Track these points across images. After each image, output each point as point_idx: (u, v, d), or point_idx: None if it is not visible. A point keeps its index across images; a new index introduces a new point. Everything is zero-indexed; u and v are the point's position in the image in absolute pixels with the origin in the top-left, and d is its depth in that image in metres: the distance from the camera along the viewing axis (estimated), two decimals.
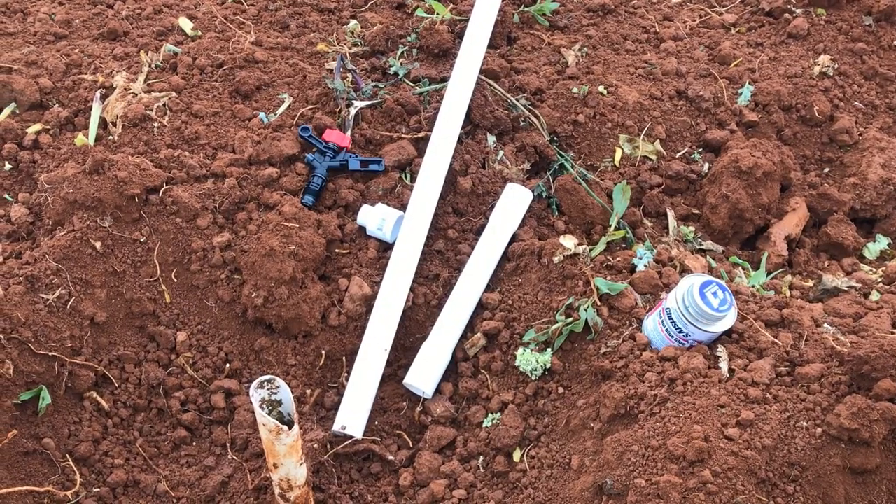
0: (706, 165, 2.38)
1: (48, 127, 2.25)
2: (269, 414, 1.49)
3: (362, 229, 2.13)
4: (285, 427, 1.46)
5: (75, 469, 1.80)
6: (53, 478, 1.77)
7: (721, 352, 1.73)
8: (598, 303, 1.88)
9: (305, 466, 1.58)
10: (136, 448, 1.89)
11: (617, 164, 2.38)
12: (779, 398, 1.61)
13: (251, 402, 1.44)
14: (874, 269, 2.22)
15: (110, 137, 2.20)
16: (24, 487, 1.69)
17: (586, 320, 1.85)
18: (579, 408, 1.80)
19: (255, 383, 1.46)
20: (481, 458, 1.85)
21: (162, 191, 2.03)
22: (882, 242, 2.31)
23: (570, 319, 1.88)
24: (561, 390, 1.86)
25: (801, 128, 2.49)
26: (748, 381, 1.65)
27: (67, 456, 1.81)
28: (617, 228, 2.19)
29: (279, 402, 1.51)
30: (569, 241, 1.97)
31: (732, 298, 1.72)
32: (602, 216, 2.23)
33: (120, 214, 1.98)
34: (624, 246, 2.19)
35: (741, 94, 2.50)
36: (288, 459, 1.52)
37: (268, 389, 1.49)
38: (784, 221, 2.29)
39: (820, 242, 2.33)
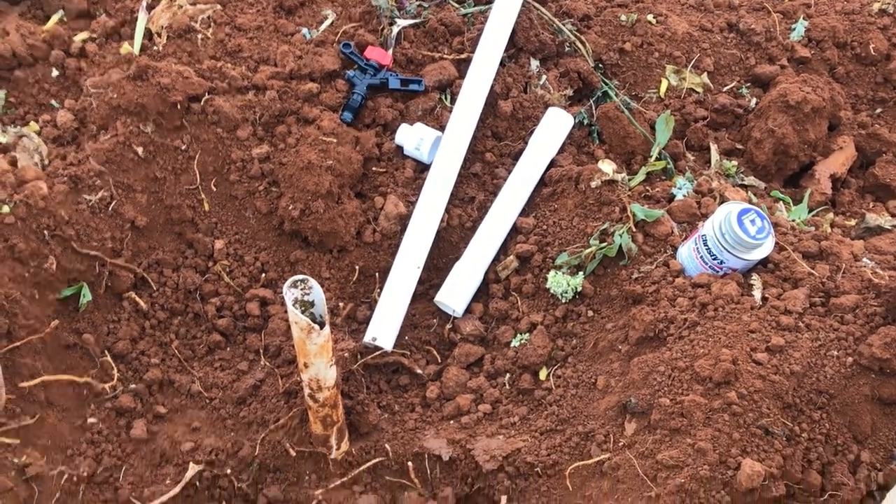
0: (753, 101, 2.33)
1: (94, 36, 2.27)
2: (301, 314, 1.52)
3: (400, 149, 2.13)
4: (317, 326, 1.49)
5: (113, 365, 1.85)
6: (92, 371, 1.82)
7: (755, 280, 1.72)
8: (634, 229, 1.87)
9: (335, 369, 1.61)
10: (172, 349, 1.94)
11: (662, 96, 2.34)
12: (811, 327, 1.60)
13: (284, 304, 1.47)
14: None
15: (155, 48, 2.21)
16: (66, 377, 1.75)
17: (620, 245, 1.84)
18: (608, 331, 1.81)
19: (288, 282, 1.49)
20: (508, 375, 1.87)
21: (204, 100, 2.04)
22: None
23: (603, 244, 1.87)
24: (591, 313, 1.87)
25: (854, 66, 2.42)
26: (781, 309, 1.63)
27: (106, 352, 1.87)
28: (658, 159, 2.17)
29: (311, 304, 1.54)
30: (607, 167, 1.95)
31: (771, 227, 1.70)
32: (643, 146, 2.21)
33: (162, 121, 2.00)
34: (664, 178, 2.16)
35: (794, 28, 2.43)
36: (318, 359, 1.55)
37: (301, 289, 1.51)
38: (830, 160, 2.24)
39: (866, 183, 2.28)
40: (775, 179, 2.25)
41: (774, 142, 2.18)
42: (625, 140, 2.20)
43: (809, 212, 2.10)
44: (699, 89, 2.34)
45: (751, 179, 2.21)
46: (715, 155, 2.24)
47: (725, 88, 2.36)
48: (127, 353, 1.89)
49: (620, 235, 1.85)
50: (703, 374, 1.54)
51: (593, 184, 1.94)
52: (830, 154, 2.25)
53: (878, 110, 2.39)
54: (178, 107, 2.00)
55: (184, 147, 2.02)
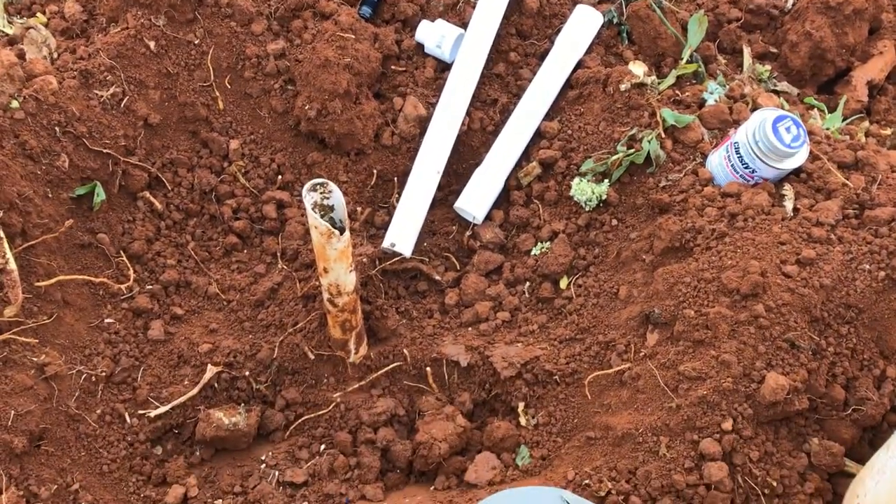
0: (790, 2, 2.22)
1: None
2: (321, 218, 1.48)
3: (420, 46, 2.05)
4: (336, 231, 1.46)
5: (129, 265, 1.83)
6: (108, 272, 1.81)
7: (787, 190, 1.66)
8: (663, 135, 1.81)
9: (355, 274, 1.58)
10: (188, 251, 1.92)
11: None
12: (843, 239, 1.55)
13: (303, 208, 1.43)
14: None
15: None
16: (82, 276, 1.74)
17: (648, 152, 1.78)
18: (632, 240, 1.77)
19: (307, 185, 1.45)
20: (527, 283, 1.84)
21: None
22: None
23: (631, 150, 1.81)
24: (615, 222, 1.82)
25: None
26: (813, 220, 1.59)
27: (121, 252, 1.85)
28: (689, 62, 2.07)
29: (331, 208, 1.50)
30: (638, 69, 1.87)
31: (806, 135, 1.64)
32: (674, 48, 2.11)
33: (174, 14, 1.92)
34: (695, 81, 2.07)
35: None
36: (338, 265, 1.52)
37: (320, 193, 1.47)
38: (868, 65, 2.14)
39: None
40: (809, 85, 2.16)
41: (811, 45, 2.08)
42: (655, 41, 2.10)
43: (844, 120, 2.02)
44: None
45: (784, 85, 2.13)
46: (748, 59, 2.14)
47: None
48: (143, 253, 1.87)
49: (649, 142, 1.79)
50: (730, 287, 1.51)
51: (622, 87, 1.87)
52: (869, 59, 2.15)
53: None
54: None
55: (197, 41, 1.94)
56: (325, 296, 1.61)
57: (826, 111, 2.01)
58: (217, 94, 1.96)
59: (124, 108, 1.87)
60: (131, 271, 1.83)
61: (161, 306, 1.84)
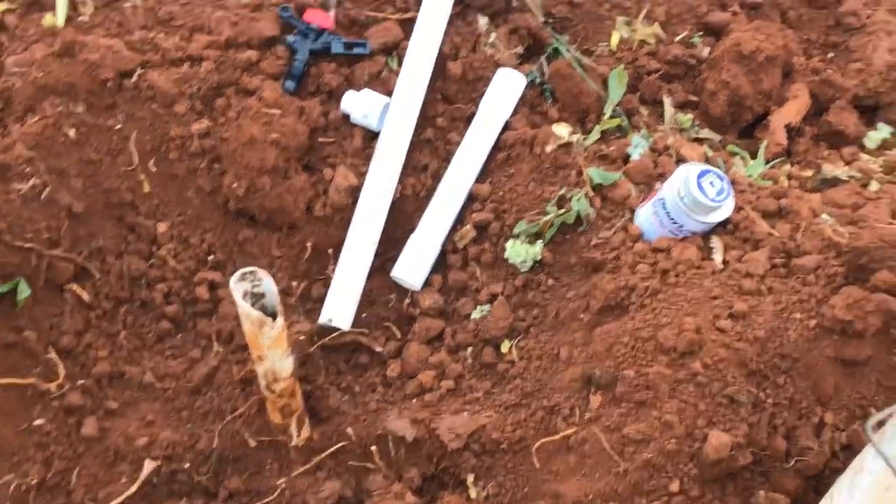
0: (706, 50, 2.28)
1: (13, 6, 2.13)
2: (252, 307, 1.46)
3: (347, 117, 2.05)
4: (269, 319, 1.43)
5: (59, 361, 1.77)
6: (36, 370, 1.75)
7: (715, 243, 1.69)
8: (592, 193, 1.83)
9: (291, 358, 1.56)
10: (120, 340, 1.86)
11: (614, 49, 2.27)
12: (773, 290, 1.58)
13: (232, 293, 1.40)
14: (874, 159, 2.16)
15: (81, 18, 2.08)
16: (8, 380, 1.67)
17: (578, 211, 1.80)
18: (569, 299, 1.78)
19: (235, 276, 1.42)
20: (470, 349, 1.83)
21: (136, 75, 1.93)
22: (884, 131, 2.23)
23: (561, 210, 1.82)
24: (551, 282, 1.83)
25: (806, 10, 2.37)
26: (742, 272, 1.61)
27: (50, 348, 1.79)
28: (612, 116, 2.11)
29: (262, 295, 1.47)
30: (562, 130, 1.90)
31: (730, 188, 1.67)
32: (597, 104, 2.15)
33: (93, 100, 1.89)
34: (619, 135, 2.11)
35: None
36: (273, 352, 1.49)
37: (250, 282, 1.45)
38: (784, 109, 2.20)
39: (820, 131, 2.25)
40: (731, 131, 2.21)
41: (729, 93, 2.14)
42: (578, 98, 2.14)
43: (766, 163, 2.08)
44: (651, 40, 2.28)
45: (706, 132, 2.18)
46: (669, 108, 2.19)
47: (678, 38, 2.30)
48: (72, 347, 1.81)
49: (578, 201, 1.81)
50: (666, 345, 1.52)
51: (548, 148, 1.89)
52: (785, 103, 2.21)
53: (831, 55, 2.36)
54: (110, 84, 1.89)
55: (118, 126, 1.91)
56: (262, 383, 1.58)
57: (748, 157, 2.06)
58: (142, 177, 1.93)
59: (46, 199, 1.82)
60: (61, 367, 1.77)
61: (94, 401, 1.78)
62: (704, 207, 1.65)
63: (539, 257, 1.83)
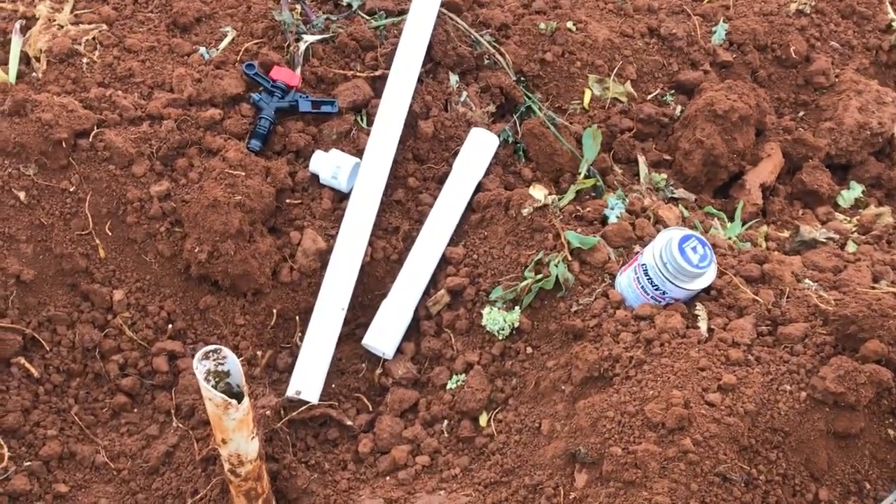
0: (678, 108, 2.26)
1: None
2: (215, 386, 1.36)
3: (315, 177, 1.97)
4: (234, 401, 1.33)
5: (2, 443, 1.64)
6: None
7: (700, 310, 1.64)
8: (570, 258, 1.77)
9: (257, 440, 1.45)
10: (72, 416, 1.74)
11: (586, 107, 2.24)
12: (761, 360, 1.53)
13: (195, 373, 1.30)
14: (848, 218, 2.14)
15: (34, 75, 1.99)
16: None
17: (557, 277, 1.74)
18: (549, 369, 1.70)
19: (199, 354, 1.32)
20: (446, 422, 1.74)
21: (92, 135, 1.83)
22: (856, 190, 2.23)
23: (539, 276, 1.76)
24: (530, 350, 1.76)
25: (776, 69, 2.38)
26: (729, 341, 1.56)
27: None
28: (587, 176, 2.07)
29: (227, 373, 1.38)
30: (539, 192, 1.85)
31: (712, 254, 1.62)
32: (571, 163, 2.11)
33: (45, 161, 1.79)
34: (594, 195, 2.07)
35: (715, 32, 2.37)
36: (238, 434, 1.39)
37: (213, 360, 1.35)
38: (759, 168, 2.19)
39: (794, 190, 2.24)
40: (705, 190, 2.19)
41: (703, 153, 2.11)
42: (552, 157, 2.10)
43: (743, 224, 2.05)
44: (623, 98, 2.26)
45: (681, 192, 2.15)
46: (643, 168, 2.16)
47: (650, 96, 2.28)
48: (18, 426, 1.68)
49: (556, 266, 1.75)
50: (654, 420, 1.45)
51: (525, 211, 1.83)
52: (759, 162, 2.20)
53: (801, 114, 2.36)
54: (64, 144, 1.80)
55: (72, 189, 1.81)
56: (226, 466, 1.47)
57: (725, 219, 2.02)
58: (97, 241, 1.83)
59: None
60: (5, 449, 1.64)
61: (42, 485, 1.65)
62: (687, 273, 1.60)
63: (517, 324, 1.76)
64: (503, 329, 1.76)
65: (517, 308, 1.77)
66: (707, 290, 1.67)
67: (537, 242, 1.83)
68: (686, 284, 1.62)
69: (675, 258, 1.58)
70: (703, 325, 1.61)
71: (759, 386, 1.48)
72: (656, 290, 1.64)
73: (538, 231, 1.84)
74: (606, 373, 1.59)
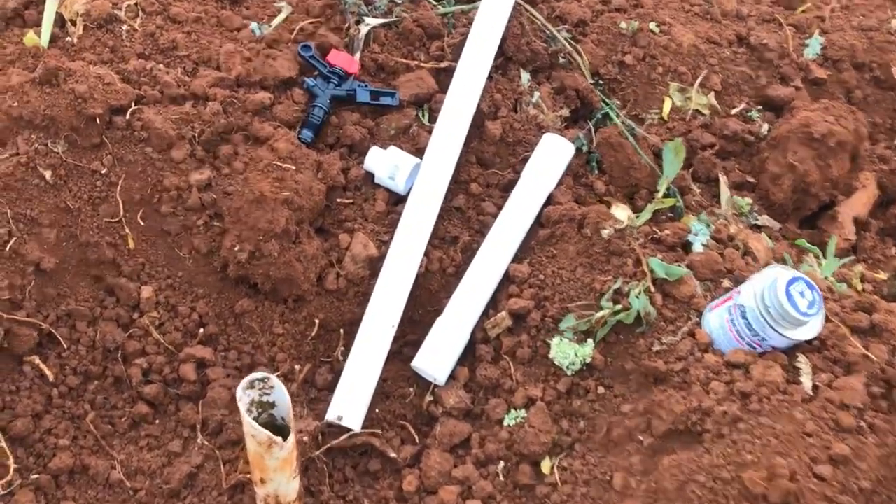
0: (765, 126, 2.06)
1: None
2: (257, 418, 1.18)
3: (369, 176, 1.79)
4: (279, 439, 1.15)
5: (8, 452, 1.47)
6: None
7: (802, 363, 1.45)
8: (652, 289, 1.58)
9: (298, 478, 1.27)
10: (86, 425, 1.57)
11: (665, 117, 2.05)
12: (875, 428, 1.33)
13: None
14: None
15: (68, 39, 1.80)
16: None
17: (638, 311, 1.55)
18: (624, 415, 1.52)
19: (244, 383, 1.14)
20: (502, 463, 1.56)
21: (130, 112, 1.65)
22: None
23: (618, 307, 1.57)
24: (601, 390, 1.57)
25: (873, 90, 2.17)
26: (837, 402, 1.37)
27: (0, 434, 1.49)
28: (666, 195, 1.88)
29: (271, 405, 1.20)
30: (621, 212, 1.66)
31: (822, 300, 1.43)
32: (649, 179, 1.91)
33: (77, 138, 1.61)
34: (671, 215, 1.88)
35: (808, 45, 2.17)
36: (279, 474, 1.21)
37: (259, 389, 1.17)
38: (853, 200, 1.99)
39: (887, 225, 2.04)
40: (791, 219, 1.99)
41: (795, 178, 1.92)
42: (628, 171, 1.91)
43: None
44: (706, 111, 2.06)
45: (765, 219, 1.95)
46: (725, 190, 1.97)
47: (734, 111, 2.08)
48: (27, 434, 1.51)
49: (637, 297, 1.56)
50: (755, 491, 1.26)
51: (604, 233, 1.64)
52: (852, 192, 2.00)
53: None
54: (98, 120, 1.61)
55: (104, 170, 1.63)
56: None
57: (820, 255, 1.83)
58: (127, 231, 1.65)
59: (10, 251, 1.54)
60: (11, 460, 1.46)
61: (49, 502, 1.48)
62: (793, 321, 1.41)
63: (589, 360, 1.57)
64: (573, 364, 1.57)
65: (590, 341, 1.58)
66: (809, 341, 1.48)
67: (614, 267, 1.64)
68: (790, 332, 1.43)
69: (780, 302, 1.39)
70: (806, 381, 1.42)
71: (874, 459, 1.29)
72: (754, 335, 1.45)
73: (616, 254, 1.65)
74: (694, 427, 1.40)
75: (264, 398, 1.18)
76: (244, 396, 1.15)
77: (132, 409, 1.60)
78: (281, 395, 1.17)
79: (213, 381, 1.62)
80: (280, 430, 1.19)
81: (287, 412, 1.18)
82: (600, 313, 1.58)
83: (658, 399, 1.46)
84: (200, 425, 1.60)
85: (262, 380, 1.15)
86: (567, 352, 1.57)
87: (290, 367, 1.67)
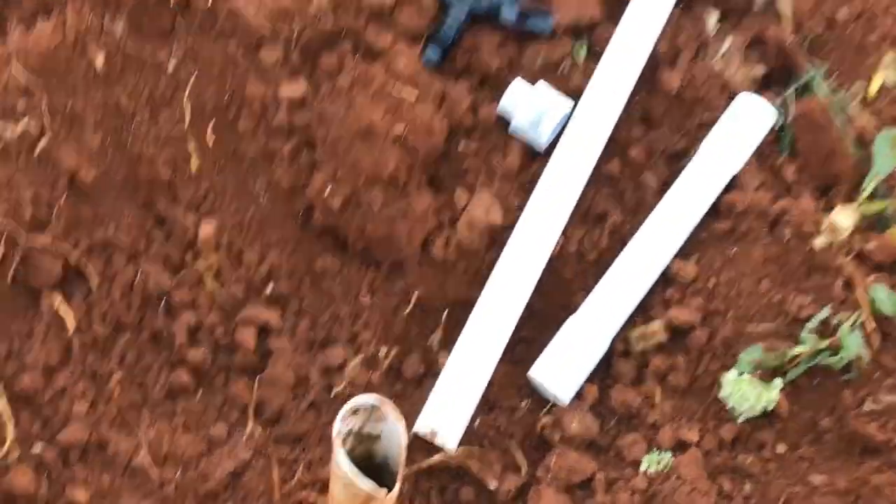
0: None
1: None
2: (353, 451, 0.82)
3: (504, 120, 1.40)
4: (383, 493, 0.79)
5: (9, 413, 1.15)
6: None
7: None
8: (872, 325, 1.19)
9: None
10: (111, 388, 1.24)
11: (870, 95, 1.62)
12: None
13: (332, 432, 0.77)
14: None
15: None
16: None
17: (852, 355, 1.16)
18: (814, 488, 1.14)
19: (346, 408, 0.79)
20: None
21: None
22: None
23: (823, 343, 1.18)
24: (782, 448, 1.20)
25: None
26: None
27: (1, 388, 1.16)
28: (873, 196, 1.47)
29: (375, 438, 0.84)
30: (846, 219, 1.26)
31: None
32: (852, 172, 1.50)
33: (143, 20, 1.27)
34: (878, 224, 1.48)
35: None
36: None
37: (363, 417, 0.81)
38: None
39: None
40: None
41: None
42: (828, 160, 1.49)
43: None
44: None
45: None
46: None
47: None
48: (36, 391, 1.19)
49: (852, 335, 1.17)
50: None
51: (818, 242, 1.24)
52: None
53: None
54: (173, 1, 1.25)
55: (171, 66, 1.28)
56: None
57: None
58: (192, 148, 1.29)
59: (41, 154, 1.20)
60: (11, 425, 1.14)
61: (52, 485, 1.16)
62: None
63: (772, 406, 1.19)
64: (753, 408, 1.19)
65: (777, 380, 1.20)
66: None
67: (815, 287, 1.26)
68: None
69: None
70: None
71: None
72: None
73: (819, 271, 1.26)
74: None
75: (368, 430, 0.82)
76: (342, 425, 0.79)
77: (170, 376, 1.28)
78: (394, 430, 0.81)
79: (277, 354, 1.29)
80: (378, 471, 0.84)
81: (398, 454, 0.82)
82: (799, 348, 1.19)
83: (868, 478, 1.09)
84: (254, 408, 1.26)
85: (374, 407, 0.79)
86: (747, 393, 1.19)
87: (375, 349, 1.32)
